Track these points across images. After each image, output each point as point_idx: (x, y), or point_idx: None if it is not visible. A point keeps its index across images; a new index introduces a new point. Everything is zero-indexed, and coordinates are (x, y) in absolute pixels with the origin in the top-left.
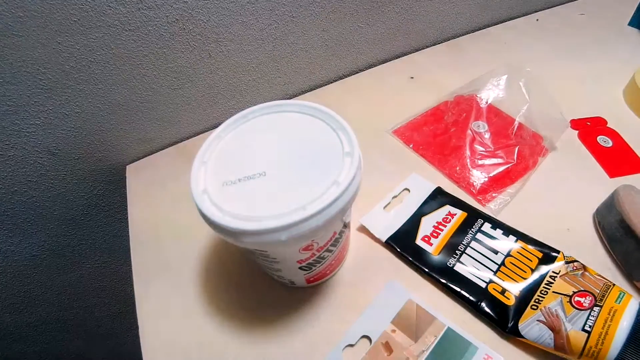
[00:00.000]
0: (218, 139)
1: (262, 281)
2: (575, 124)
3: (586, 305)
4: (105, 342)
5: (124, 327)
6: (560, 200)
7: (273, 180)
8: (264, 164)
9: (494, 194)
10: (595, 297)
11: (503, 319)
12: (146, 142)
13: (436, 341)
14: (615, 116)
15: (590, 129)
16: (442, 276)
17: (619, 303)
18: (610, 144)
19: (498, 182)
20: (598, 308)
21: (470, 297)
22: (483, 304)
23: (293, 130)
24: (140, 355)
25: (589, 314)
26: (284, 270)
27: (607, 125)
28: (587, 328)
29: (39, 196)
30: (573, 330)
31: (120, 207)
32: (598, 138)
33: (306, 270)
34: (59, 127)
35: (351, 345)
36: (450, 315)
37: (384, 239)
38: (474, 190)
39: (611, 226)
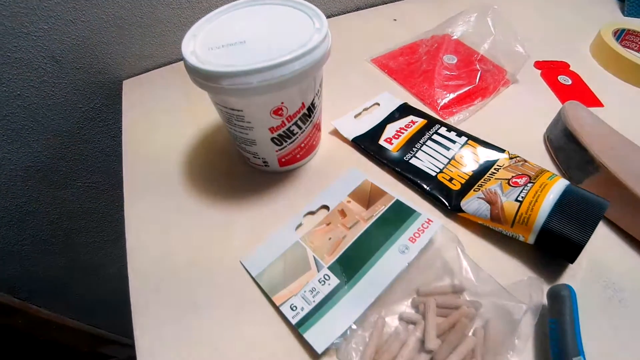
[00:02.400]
0: (208, 22)
1: (241, 169)
2: (539, 64)
3: (521, 183)
4: (89, 273)
5: (108, 259)
6: (516, 121)
7: (251, 45)
8: (245, 36)
9: (454, 110)
10: (530, 177)
11: (448, 200)
12: (143, 59)
13: (385, 209)
14: (579, 63)
15: (552, 70)
16: (398, 166)
17: (549, 180)
18: (569, 82)
19: (460, 101)
20: (531, 184)
21: (422, 184)
22: (432, 189)
23: (274, 16)
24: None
25: (523, 189)
26: (258, 145)
27: (570, 69)
28: (519, 199)
29: (39, 103)
30: (507, 201)
31: (114, 125)
32: (559, 77)
33: (278, 144)
34: (65, 34)
35: (312, 213)
36: (401, 194)
37: (350, 138)
38: (437, 107)
39: (557, 136)
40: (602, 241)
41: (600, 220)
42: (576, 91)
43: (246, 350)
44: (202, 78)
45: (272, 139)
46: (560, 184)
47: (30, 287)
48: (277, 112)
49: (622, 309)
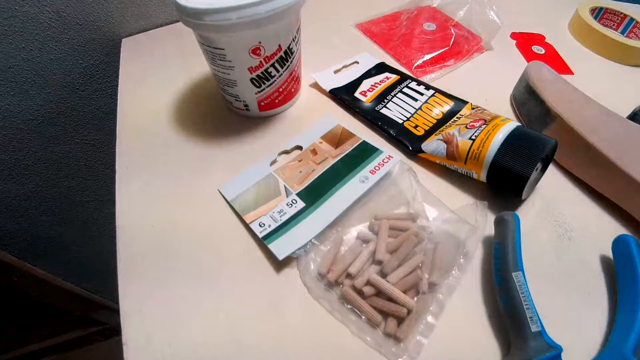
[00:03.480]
0: None
1: (225, 114)
2: (516, 35)
3: (477, 126)
4: (85, 234)
5: (105, 220)
6: (485, 82)
7: None
8: None
9: (427, 69)
10: (485, 121)
11: (411, 143)
12: (143, 19)
13: (352, 148)
14: (555, 37)
15: (527, 40)
16: (369, 115)
17: (502, 122)
18: (542, 52)
19: (433, 62)
20: (485, 125)
21: (389, 130)
22: (397, 134)
23: None
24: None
25: (477, 130)
26: (239, 86)
27: (545, 41)
28: (472, 137)
29: (42, 57)
30: (462, 140)
31: (112, 84)
32: (533, 47)
33: (257, 86)
34: None
35: (287, 152)
36: (369, 138)
37: (328, 90)
38: (412, 67)
39: (520, 93)
40: (556, 185)
41: (544, 155)
42: (548, 59)
43: (217, 264)
44: (188, 15)
45: (252, 80)
46: (510, 125)
47: (26, 245)
48: (255, 51)
49: (571, 245)
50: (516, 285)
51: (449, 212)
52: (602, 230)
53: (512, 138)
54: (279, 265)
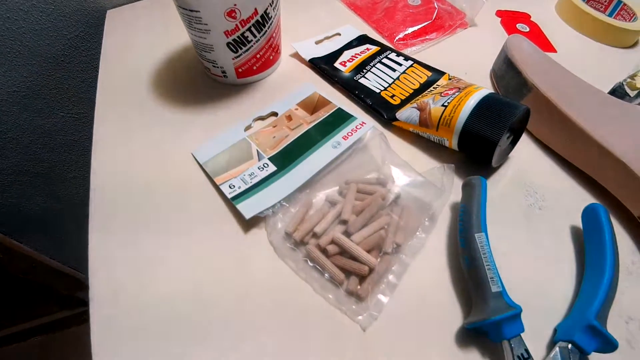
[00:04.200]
0: None
1: (204, 81)
2: (501, 13)
3: (450, 93)
4: (70, 209)
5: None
6: (467, 57)
7: None
8: None
9: (409, 42)
10: (459, 89)
11: (386, 112)
12: None
13: (327, 115)
14: (541, 16)
15: (513, 18)
16: (347, 85)
17: (475, 89)
18: (527, 29)
19: (416, 35)
20: (458, 92)
21: (365, 99)
22: (373, 103)
23: None
24: None
25: (450, 97)
26: (216, 51)
27: (531, 19)
28: (445, 104)
29: (27, 28)
30: (435, 107)
31: (96, 56)
32: (517, 25)
33: (234, 51)
34: None
35: (262, 118)
36: (345, 106)
37: (308, 59)
38: (394, 39)
39: (499, 66)
40: (529, 155)
41: (514, 120)
42: (532, 37)
43: (187, 223)
44: None
45: (228, 44)
46: (483, 91)
47: (11, 220)
48: (231, 14)
49: (541, 214)
50: (478, 246)
51: (416, 176)
52: (573, 201)
53: (483, 104)
54: (248, 225)
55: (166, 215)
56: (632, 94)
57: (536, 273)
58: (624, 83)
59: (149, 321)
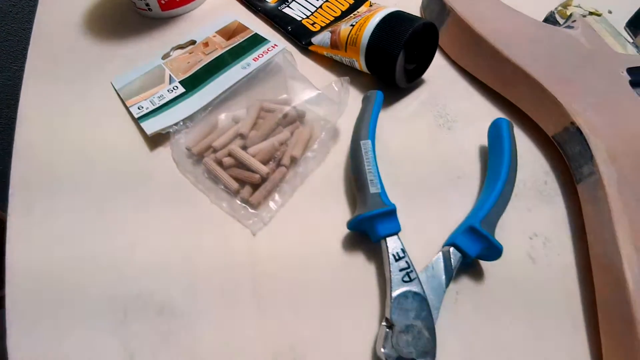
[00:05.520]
0: None
1: (132, 18)
2: None
3: (361, 14)
4: None
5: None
6: None
7: None
8: None
9: None
10: (371, 11)
11: (304, 38)
12: None
13: (242, 40)
14: None
15: None
16: (270, 14)
17: (382, 9)
18: None
19: None
20: (368, 13)
21: (286, 26)
22: (292, 30)
23: None
24: None
25: (360, 17)
26: None
27: None
28: (353, 24)
29: None
30: (344, 28)
31: None
32: None
33: None
34: None
35: (181, 47)
36: (265, 33)
37: None
38: None
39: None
40: (445, 78)
41: (411, 33)
42: None
43: (99, 146)
44: None
45: None
46: (388, 9)
47: None
48: None
49: (449, 134)
50: (362, 152)
51: (315, 92)
52: (487, 122)
53: (386, 20)
54: (154, 144)
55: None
56: (561, 21)
57: (437, 188)
58: (555, 11)
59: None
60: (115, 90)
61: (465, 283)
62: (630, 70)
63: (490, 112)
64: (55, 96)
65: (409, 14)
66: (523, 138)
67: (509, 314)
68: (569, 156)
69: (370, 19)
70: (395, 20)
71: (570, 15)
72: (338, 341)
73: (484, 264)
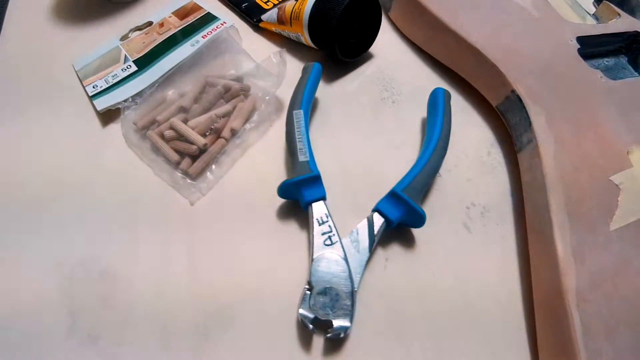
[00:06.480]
0: None
1: (98, 3)
2: None
3: None
4: None
5: None
6: None
7: None
8: None
9: None
10: None
11: (256, 15)
12: None
13: (195, 19)
14: None
15: None
16: None
17: None
18: None
19: None
20: None
21: (240, 4)
22: (246, 7)
23: None
24: None
25: None
26: None
27: None
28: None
29: None
30: (289, 3)
31: None
32: None
33: None
34: None
35: (139, 28)
36: (219, 12)
37: None
38: None
39: None
40: (395, 53)
41: (347, 3)
42: None
43: (53, 118)
44: None
45: None
46: None
47: None
48: None
49: (393, 107)
50: (294, 121)
51: (254, 65)
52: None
53: None
54: (106, 120)
55: (30, 108)
56: None
57: (375, 158)
58: None
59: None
60: (76, 71)
61: (396, 250)
62: (580, 39)
63: (437, 85)
64: (20, 79)
65: None
66: (470, 110)
67: (439, 282)
68: (511, 126)
69: None
70: None
71: None
72: (273, 302)
73: (417, 232)
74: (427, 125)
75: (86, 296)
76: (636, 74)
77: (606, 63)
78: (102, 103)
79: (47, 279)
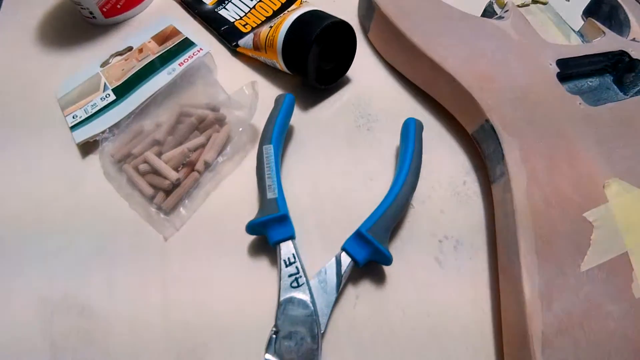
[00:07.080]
0: None
1: (79, 26)
2: None
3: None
4: None
5: None
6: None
7: None
8: None
9: None
10: (292, 11)
11: (235, 40)
12: None
13: (173, 44)
14: None
15: None
16: (205, 17)
17: (299, 7)
18: None
19: None
20: (287, 12)
21: (218, 28)
22: (224, 31)
23: None
24: None
25: (279, 17)
26: None
27: None
28: (272, 24)
29: None
30: (264, 29)
31: None
32: None
33: None
34: None
35: (120, 53)
36: (198, 37)
37: None
38: None
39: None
40: (373, 79)
41: (319, 31)
42: None
43: (34, 147)
44: None
45: None
46: (305, 7)
47: None
48: None
49: (368, 134)
50: (264, 157)
51: (227, 97)
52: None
53: (299, 20)
54: (86, 151)
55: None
56: (499, 11)
57: (348, 193)
58: (493, 1)
59: None
60: (56, 98)
61: (366, 287)
62: (560, 62)
63: (414, 111)
64: (2, 107)
65: (323, 12)
66: (446, 136)
67: (409, 320)
68: (485, 155)
69: (286, 19)
70: (307, 19)
71: (506, 4)
72: (242, 344)
73: (387, 267)
74: (399, 157)
75: (67, 332)
76: (621, 94)
77: (590, 84)
78: (81, 135)
79: (29, 314)
